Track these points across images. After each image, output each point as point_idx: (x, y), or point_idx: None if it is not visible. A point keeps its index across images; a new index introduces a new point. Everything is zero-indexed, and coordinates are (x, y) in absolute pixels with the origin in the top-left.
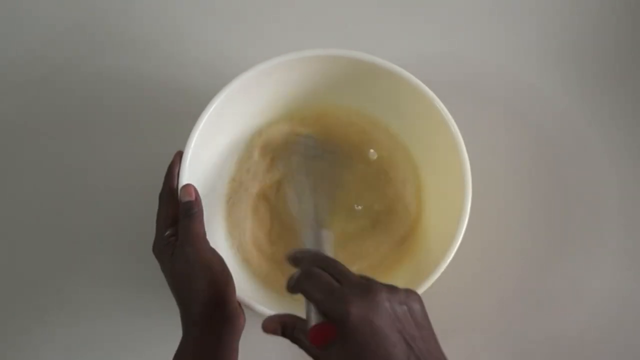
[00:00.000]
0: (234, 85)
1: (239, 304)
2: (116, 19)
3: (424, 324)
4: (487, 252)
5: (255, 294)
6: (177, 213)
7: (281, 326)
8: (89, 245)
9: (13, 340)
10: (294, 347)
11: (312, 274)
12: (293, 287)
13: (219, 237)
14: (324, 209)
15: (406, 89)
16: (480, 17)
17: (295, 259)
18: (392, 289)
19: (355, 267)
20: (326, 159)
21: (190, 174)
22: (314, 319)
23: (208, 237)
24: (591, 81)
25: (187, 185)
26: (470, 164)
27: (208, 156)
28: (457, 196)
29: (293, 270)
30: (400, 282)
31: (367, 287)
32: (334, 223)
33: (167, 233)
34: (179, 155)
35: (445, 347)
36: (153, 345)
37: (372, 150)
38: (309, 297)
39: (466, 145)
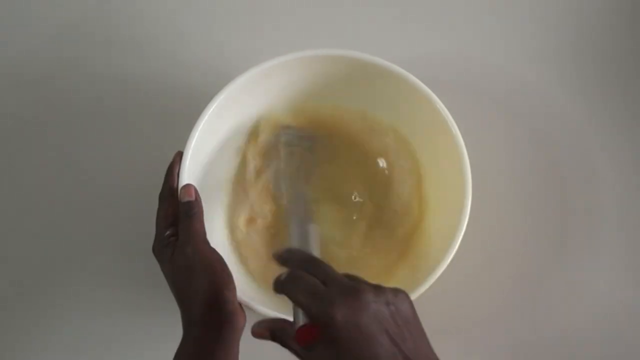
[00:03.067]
0: (234, 86)
1: (239, 303)
2: (116, 19)
3: (412, 323)
4: (487, 252)
5: (255, 294)
6: (177, 213)
7: (269, 331)
8: (89, 245)
9: (13, 340)
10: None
11: (296, 276)
12: (278, 289)
13: (219, 236)
14: (309, 203)
15: (406, 89)
16: (480, 17)
17: (282, 259)
18: (378, 289)
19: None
20: (315, 151)
21: (190, 174)
22: (301, 321)
23: (208, 236)
24: (591, 81)
25: (187, 185)
26: (470, 164)
27: (208, 156)
28: (457, 196)
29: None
30: (399, 282)
31: (352, 288)
32: (333, 223)
33: (167, 233)
34: (179, 155)
35: (444, 347)
36: (153, 345)
37: (375, 154)
38: (294, 300)
39: (466, 145)
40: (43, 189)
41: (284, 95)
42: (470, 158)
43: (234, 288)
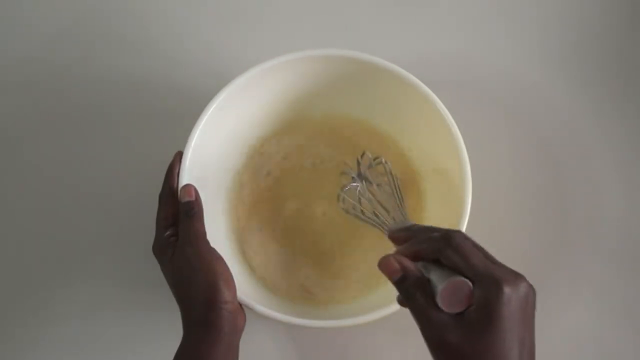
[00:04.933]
0: (234, 86)
1: (239, 304)
2: (116, 20)
3: (533, 323)
4: None
5: (255, 294)
6: (177, 213)
7: (403, 272)
8: (89, 245)
9: (13, 340)
10: (295, 347)
11: (456, 238)
12: (426, 249)
13: (219, 237)
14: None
15: (406, 89)
16: (480, 17)
17: (407, 232)
18: (533, 288)
19: (357, 269)
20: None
21: (190, 174)
22: (442, 282)
23: (208, 236)
24: (592, 81)
25: (187, 186)
26: (470, 164)
27: (208, 156)
28: (457, 196)
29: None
30: None
31: (517, 275)
32: (332, 223)
33: (167, 233)
34: (179, 156)
35: None
36: (153, 345)
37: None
38: (455, 262)
39: (466, 145)
40: (43, 189)
41: (284, 95)
42: (470, 158)
43: (234, 288)
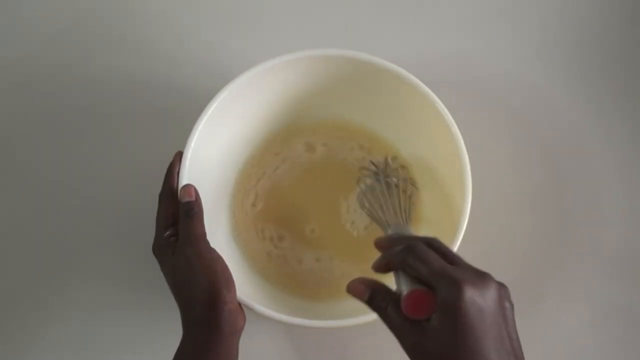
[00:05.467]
0: (234, 85)
1: (239, 304)
2: (116, 19)
3: (514, 325)
4: (487, 253)
5: (255, 293)
6: (177, 213)
7: (370, 291)
8: (89, 245)
9: (12, 340)
10: (295, 347)
11: (416, 248)
12: (393, 261)
13: (219, 237)
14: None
15: (406, 89)
16: (480, 17)
17: (390, 242)
18: (502, 285)
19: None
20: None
21: (190, 174)
22: (405, 290)
23: (209, 236)
24: (592, 81)
25: (187, 186)
26: (470, 164)
27: (208, 156)
28: (457, 196)
29: None
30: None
31: (480, 274)
32: (331, 223)
33: (167, 233)
34: (179, 155)
35: None
36: (153, 345)
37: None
38: (414, 270)
39: (466, 146)
40: (43, 189)
41: (284, 95)
42: (470, 158)
43: (234, 288)
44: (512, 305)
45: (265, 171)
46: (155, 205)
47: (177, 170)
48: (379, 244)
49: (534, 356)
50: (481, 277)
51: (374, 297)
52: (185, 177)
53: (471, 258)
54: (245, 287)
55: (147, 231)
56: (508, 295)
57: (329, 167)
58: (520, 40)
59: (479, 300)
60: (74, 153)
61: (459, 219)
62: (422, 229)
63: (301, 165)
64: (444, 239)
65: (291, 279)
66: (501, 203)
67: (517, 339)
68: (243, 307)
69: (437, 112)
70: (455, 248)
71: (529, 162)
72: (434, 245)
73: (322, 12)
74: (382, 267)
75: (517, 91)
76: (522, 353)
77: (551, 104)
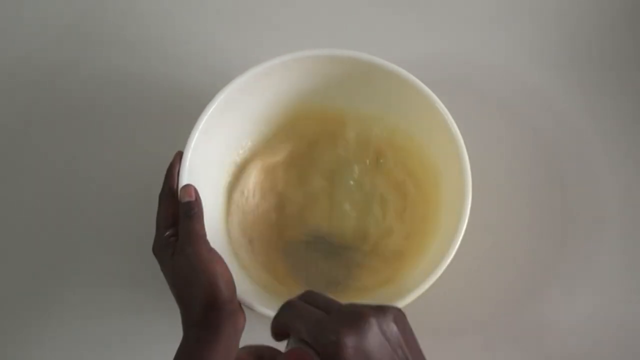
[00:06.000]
0: (234, 86)
1: (240, 304)
2: (116, 20)
3: (411, 340)
4: (487, 252)
5: (255, 294)
6: (177, 213)
7: (255, 357)
8: (89, 245)
9: (13, 340)
10: None
11: (294, 305)
12: (275, 325)
13: (219, 237)
14: None
15: (406, 89)
16: (480, 17)
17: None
18: (380, 309)
19: (357, 269)
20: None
21: (190, 174)
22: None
23: (208, 237)
24: (591, 80)
25: (187, 186)
26: (470, 164)
27: (208, 156)
28: (457, 196)
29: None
30: (399, 283)
31: (356, 313)
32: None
33: (167, 233)
34: (179, 156)
35: (444, 347)
36: (153, 345)
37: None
38: (294, 331)
39: (466, 145)
40: (43, 189)
41: (284, 95)
42: (470, 158)
43: (234, 288)
44: (400, 326)
45: (265, 171)
46: (155, 205)
47: (177, 170)
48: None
49: (534, 356)
50: (357, 319)
51: None
52: (185, 177)
53: (471, 258)
54: (246, 287)
55: (147, 231)
56: (390, 318)
57: (329, 167)
58: (520, 40)
59: (361, 344)
60: (73, 153)
61: (458, 218)
62: (422, 230)
63: (301, 165)
64: (444, 239)
65: (292, 279)
66: (501, 203)
67: (415, 352)
68: (243, 307)
69: (437, 112)
70: (455, 248)
71: (529, 161)
72: (309, 298)
73: (322, 12)
74: (273, 335)
75: (518, 91)
76: None
77: (551, 103)
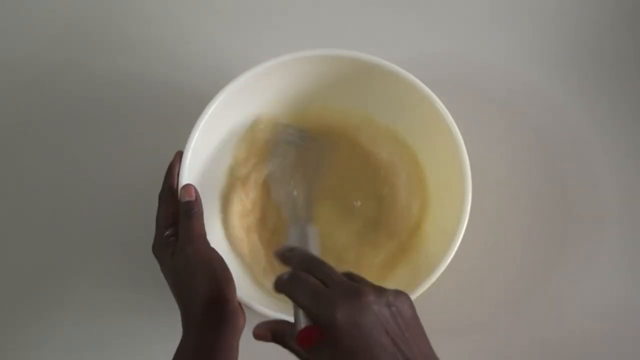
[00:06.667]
0: (234, 86)
1: (239, 303)
2: (116, 20)
3: (413, 325)
4: (487, 252)
5: (255, 293)
6: (177, 213)
7: (271, 332)
8: (89, 245)
9: (13, 340)
10: None
11: (297, 277)
12: (280, 289)
13: (218, 236)
14: (309, 204)
15: (406, 88)
16: (480, 17)
17: (284, 258)
18: (379, 290)
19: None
20: (313, 150)
21: (190, 173)
22: (302, 322)
23: (208, 236)
24: (591, 80)
25: (187, 185)
26: (470, 164)
27: (208, 156)
28: (457, 196)
29: (284, 269)
30: (399, 282)
31: (353, 289)
32: (333, 223)
33: (167, 233)
34: (179, 155)
35: (444, 347)
36: (153, 345)
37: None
38: (295, 301)
39: (466, 145)
40: (43, 189)
41: (284, 95)
42: (470, 158)
43: (234, 288)
44: (398, 306)
45: (265, 171)
46: (155, 204)
47: (177, 170)
48: (277, 255)
49: (534, 356)
50: (354, 294)
51: (276, 337)
52: (185, 177)
53: (472, 258)
54: (245, 287)
55: (147, 231)
56: (389, 299)
57: (329, 167)
58: (520, 40)
59: (355, 317)
60: (73, 153)
61: (459, 218)
62: (422, 230)
63: (301, 165)
64: (444, 239)
65: None
66: (501, 202)
67: (416, 336)
68: (243, 306)
69: (437, 112)
70: (455, 248)
71: (529, 161)
72: (311, 268)
73: (322, 12)
74: (276, 290)
75: (518, 91)
76: (424, 349)
77: (551, 103)
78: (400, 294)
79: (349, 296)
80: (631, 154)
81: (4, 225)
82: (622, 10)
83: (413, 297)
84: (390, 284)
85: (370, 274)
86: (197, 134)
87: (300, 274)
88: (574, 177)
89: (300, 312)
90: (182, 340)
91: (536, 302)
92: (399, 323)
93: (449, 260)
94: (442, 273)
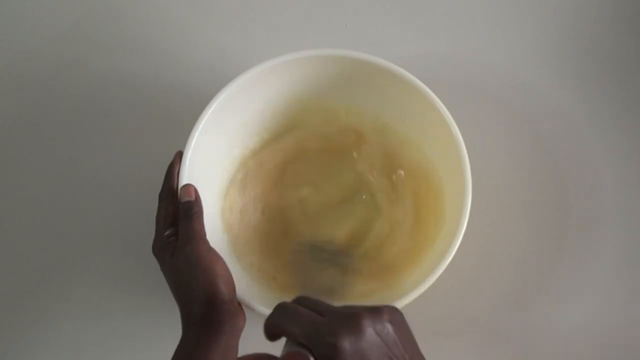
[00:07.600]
0: (234, 86)
1: (239, 303)
2: (116, 20)
3: (409, 340)
4: (486, 253)
5: (255, 293)
6: (177, 213)
7: None
8: (89, 245)
9: (13, 340)
10: None
11: (288, 308)
12: (271, 326)
13: (218, 236)
14: None
15: (406, 89)
16: (480, 17)
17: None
18: (374, 311)
19: (355, 268)
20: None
21: (190, 173)
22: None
23: (208, 236)
24: (591, 80)
25: (187, 185)
26: (470, 164)
27: (208, 156)
28: (456, 196)
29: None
30: (399, 284)
31: (351, 315)
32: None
33: (166, 233)
34: (179, 155)
35: (444, 348)
36: (153, 345)
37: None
38: (288, 333)
39: (466, 145)
40: (43, 189)
41: (284, 95)
42: (470, 158)
43: (234, 288)
44: (395, 325)
45: (265, 170)
46: (155, 204)
47: (177, 170)
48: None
49: (534, 356)
50: (353, 320)
51: None
52: (185, 177)
53: (471, 258)
54: (245, 287)
55: (147, 231)
56: (385, 318)
57: (329, 167)
58: (520, 40)
59: (357, 345)
60: (73, 153)
61: (458, 218)
62: (422, 230)
63: (302, 165)
64: (444, 239)
65: (289, 279)
66: (501, 203)
67: (412, 351)
68: (243, 307)
69: (437, 112)
70: (455, 249)
71: (529, 161)
72: (301, 301)
73: (322, 12)
74: (267, 335)
75: (518, 91)
76: None
77: (551, 103)
78: (394, 310)
79: (349, 322)
80: (631, 154)
81: (4, 225)
82: (622, 10)
83: (412, 298)
84: (388, 286)
85: (370, 274)
86: (197, 134)
87: (290, 305)
88: (574, 177)
89: (290, 343)
90: (181, 340)
91: (536, 302)
92: (397, 342)
93: (449, 260)
94: (442, 273)
